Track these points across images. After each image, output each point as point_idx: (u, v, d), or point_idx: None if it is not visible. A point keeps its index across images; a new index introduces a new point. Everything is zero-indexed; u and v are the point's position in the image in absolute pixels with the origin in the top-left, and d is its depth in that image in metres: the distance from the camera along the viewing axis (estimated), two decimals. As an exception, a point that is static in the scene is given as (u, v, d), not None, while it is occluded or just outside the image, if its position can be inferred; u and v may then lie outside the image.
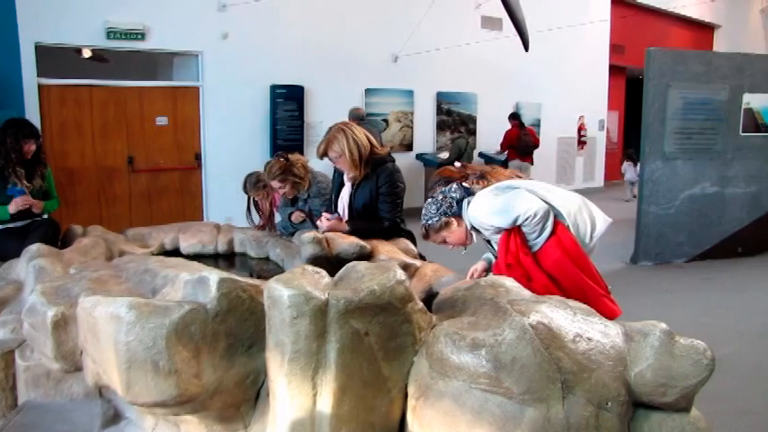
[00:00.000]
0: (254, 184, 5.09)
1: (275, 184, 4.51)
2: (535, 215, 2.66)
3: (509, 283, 1.98)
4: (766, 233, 8.21)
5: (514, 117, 11.75)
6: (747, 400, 4.09)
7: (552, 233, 2.72)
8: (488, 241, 3.07)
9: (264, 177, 4.61)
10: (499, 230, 2.81)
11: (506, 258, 2.74)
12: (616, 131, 17.26)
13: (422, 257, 3.53)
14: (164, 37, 8.34)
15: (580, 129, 14.79)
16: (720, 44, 19.66)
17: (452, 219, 2.99)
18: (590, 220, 2.89)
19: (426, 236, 3.09)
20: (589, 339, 1.68)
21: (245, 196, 4.89)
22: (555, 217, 2.76)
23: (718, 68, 7.77)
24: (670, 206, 7.62)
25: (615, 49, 15.58)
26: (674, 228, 7.68)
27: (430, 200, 3.08)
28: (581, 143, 14.87)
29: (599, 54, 15.26)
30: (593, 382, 1.60)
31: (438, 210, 2.99)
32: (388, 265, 1.90)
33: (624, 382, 1.65)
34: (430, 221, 3.02)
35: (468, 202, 2.93)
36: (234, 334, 1.92)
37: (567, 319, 1.73)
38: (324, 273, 1.90)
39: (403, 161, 10.43)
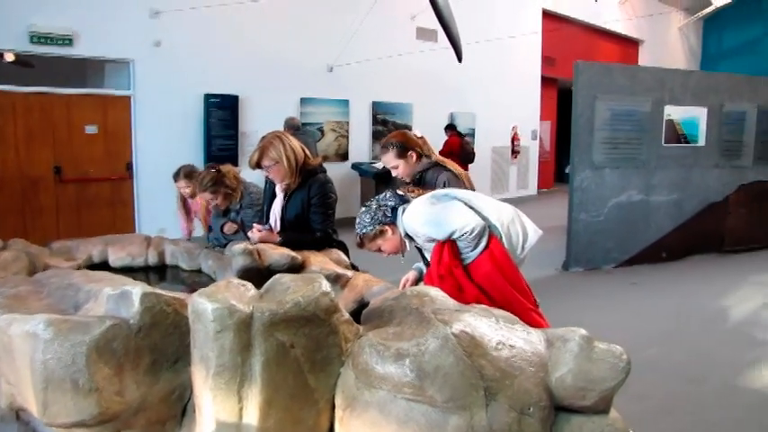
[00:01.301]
0: (185, 175, 5.04)
1: (206, 195, 4.46)
2: (472, 231, 2.70)
3: (434, 292, 2.01)
4: (688, 238, 8.56)
5: (451, 128, 11.94)
6: (671, 399, 4.25)
7: (485, 247, 2.76)
8: (420, 250, 3.10)
9: (196, 189, 4.56)
10: (433, 240, 2.84)
11: (439, 269, 2.76)
12: (549, 141, 17.69)
13: (354, 268, 3.53)
14: (93, 43, 8.12)
15: (513, 138, 15.12)
16: (645, 58, 20.48)
17: (387, 227, 2.99)
18: (522, 231, 2.95)
19: (361, 245, 3.09)
20: (512, 347, 1.72)
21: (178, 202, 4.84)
22: (489, 230, 2.80)
23: (642, 82, 8.08)
24: (599, 214, 7.86)
25: (547, 61, 16.01)
26: (603, 235, 7.93)
27: (364, 209, 3.07)
28: (514, 152, 15.19)
29: (531, 66, 15.66)
30: (515, 389, 1.64)
31: (372, 219, 2.99)
32: (314, 276, 1.90)
33: (545, 387, 1.69)
34: (364, 230, 3.02)
35: (403, 210, 2.94)
36: (158, 349, 1.88)
37: (491, 328, 1.77)
38: (249, 285, 1.89)
39: (338, 171, 10.47)
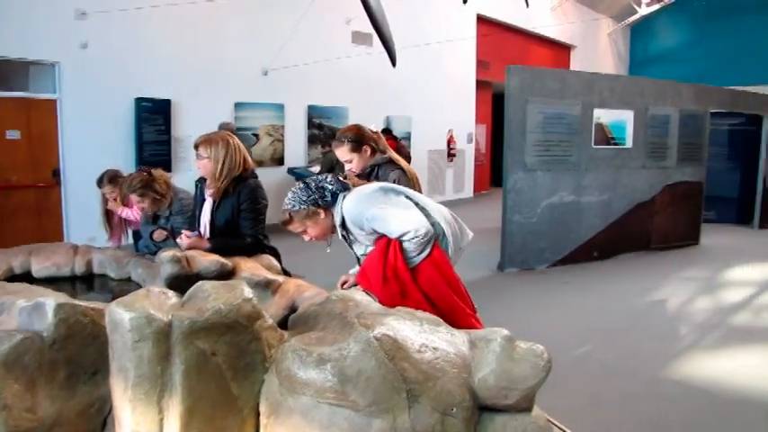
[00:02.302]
0: (109, 180, 4.91)
1: (134, 197, 4.37)
2: (425, 235, 2.68)
3: (359, 296, 2.01)
4: (618, 237, 8.83)
5: (387, 132, 11.96)
6: (599, 393, 4.38)
7: (429, 254, 2.75)
8: (350, 243, 3.04)
9: (124, 188, 4.45)
10: (375, 235, 2.82)
11: (385, 270, 2.70)
12: (484, 144, 17.96)
13: (286, 273, 3.51)
14: (14, 44, 7.80)
15: (449, 142, 15.29)
16: (576, 63, 21.06)
17: (321, 210, 2.90)
18: (460, 230, 2.99)
19: (288, 221, 2.96)
20: (435, 349, 1.74)
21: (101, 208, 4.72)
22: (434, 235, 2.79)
23: (572, 86, 8.30)
24: (532, 215, 8.01)
25: (481, 65, 16.27)
26: (536, 235, 8.09)
27: (301, 185, 2.96)
28: (450, 156, 15.36)
29: (466, 70, 15.87)
30: (438, 390, 1.65)
31: (309, 197, 2.89)
32: (235, 283, 1.88)
33: (469, 387, 1.71)
34: (296, 207, 2.90)
35: (344, 197, 2.88)
36: (75, 361, 1.82)
37: (414, 330, 1.78)
38: (171, 293, 1.85)
39: (274, 175, 10.39)
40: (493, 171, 18.46)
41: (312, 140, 11.67)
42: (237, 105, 10.37)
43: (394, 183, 3.43)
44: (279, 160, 11.16)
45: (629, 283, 7.52)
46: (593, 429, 3.85)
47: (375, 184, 2.94)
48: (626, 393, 4.38)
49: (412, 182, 3.54)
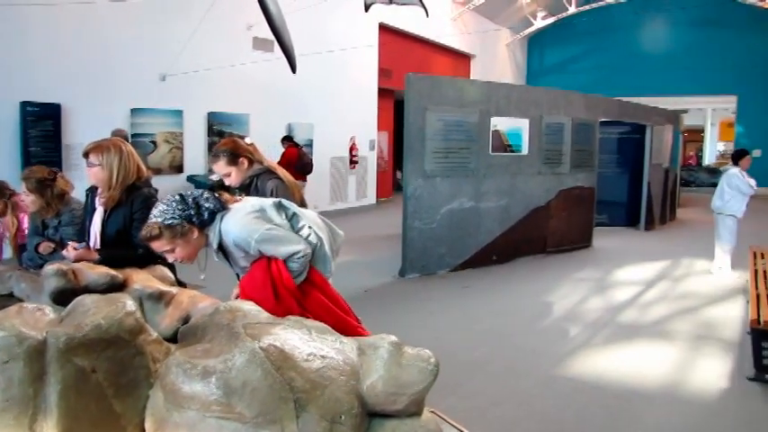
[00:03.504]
0: None
1: (26, 186, 4.16)
2: (304, 255, 2.69)
3: (247, 307, 1.98)
4: (515, 242, 9.11)
5: (288, 139, 11.92)
6: (498, 393, 4.51)
7: (309, 272, 2.76)
8: (228, 259, 2.94)
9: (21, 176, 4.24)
10: (258, 256, 2.76)
11: (276, 288, 2.66)
12: (387, 151, 18.13)
13: (181, 284, 3.41)
14: None
15: (352, 149, 15.34)
16: (476, 72, 21.65)
17: (195, 228, 2.71)
18: (333, 235, 3.00)
19: (156, 237, 2.68)
20: (323, 357, 1.73)
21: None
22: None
23: (469, 94, 8.51)
24: (432, 221, 8.14)
25: (383, 72, 16.44)
26: (437, 241, 8.22)
27: (176, 197, 2.72)
28: (353, 163, 15.42)
29: (368, 77, 15.99)
30: (326, 398, 1.65)
31: (184, 211, 2.67)
32: (117, 296, 1.81)
33: (357, 394, 1.71)
34: (170, 221, 2.65)
35: (222, 218, 2.76)
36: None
37: (302, 339, 1.78)
38: (48, 309, 1.77)
39: (173, 183, 10.09)
40: (395, 177, 18.67)
41: (212, 148, 11.40)
42: (134, 111, 10.02)
43: (271, 192, 3.43)
44: (178, 168, 10.87)
45: (527, 286, 7.77)
46: (494, 429, 3.96)
47: (252, 203, 2.84)
48: (523, 392, 4.53)
49: (290, 191, 3.55)
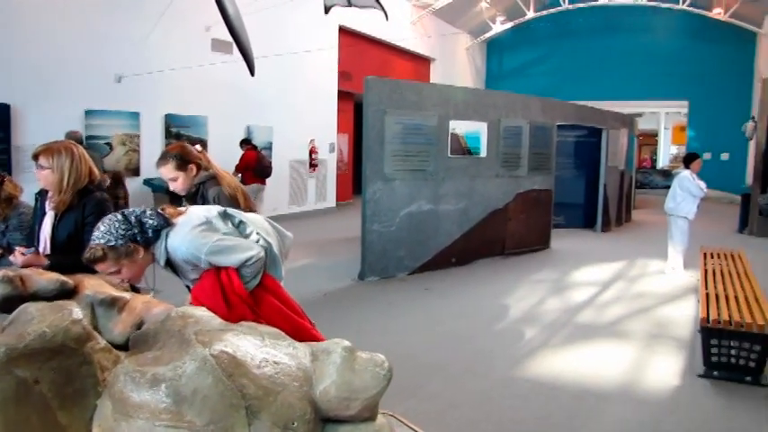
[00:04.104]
0: None
1: None
2: (258, 259, 2.65)
3: (200, 312, 1.95)
4: (474, 244, 9.18)
5: (247, 142, 11.82)
6: (456, 395, 4.53)
7: (262, 277, 2.73)
8: (177, 272, 2.89)
9: None
10: (207, 267, 2.71)
11: (227, 296, 2.62)
12: (347, 154, 18.11)
13: (135, 289, 3.35)
14: None
15: (311, 151, 15.28)
16: (436, 75, 21.77)
17: (141, 247, 2.64)
18: (281, 238, 2.97)
19: (101, 259, 2.60)
20: (276, 363, 1.71)
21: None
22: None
23: (428, 98, 8.54)
24: (391, 224, 8.15)
25: (343, 75, 16.42)
26: (396, 244, 8.23)
27: (118, 216, 2.65)
28: (313, 165, 15.36)
29: (328, 80, 15.96)
30: (278, 405, 1.62)
31: (127, 231, 2.60)
32: (63, 304, 1.76)
33: (310, 400, 1.70)
34: (113, 243, 2.57)
35: (167, 234, 2.69)
36: None
37: (255, 345, 1.75)
38: (-11, 318, 1.71)
39: (129, 187, 9.94)
40: (356, 180, 18.64)
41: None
42: (88, 113, 9.81)
43: (213, 201, 3.39)
44: (134, 171, 10.68)
45: (486, 288, 7.83)
46: (452, 431, 3.97)
47: (197, 215, 2.77)
48: (482, 394, 4.55)
49: (233, 197, 3.50)
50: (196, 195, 3.56)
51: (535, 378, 4.88)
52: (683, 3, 19.12)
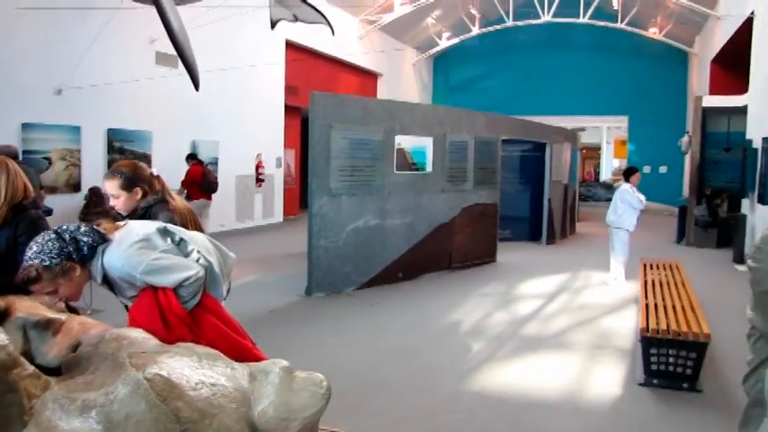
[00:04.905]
0: None
1: None
2: (196, 279, 2.58)
3: (135, 334, 1.90)
4: (421, 258, 9.22)
5: (192, 157, 11.65)
6: (403, 411, 4.52)
7: (202, 297, 2.66)
8: (112, 288, 2.78)
9: None
10: (143, 286, 2.63)
11: (166, 316, 2.54)
12: (294, 168, 18.02)
13: (72, 310, 3.25)
14: None
15: (258, 166, 15.16)
16: (383, 90, 21.92)
17: (77, 265, 2.53)
18: (223, 258, 2.92)
19: (36, 279, 2.48)
20: (212, 385, 1.68)
21: None
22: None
23: (374, 113, 8.58)
24: (338, 239, 8.13)
25: (290, 90, 16.37)
26: (343, 259, 8.21)
27: (51, 235, 2.54)
28: (259, 180, 15.23)
29: (275, 94, 15.91)
30: (215, 427, 1.60)
31: (62, 249, 2.49)
32: (-13, 328, 1.70)
33: (248, 421, 1.68)
34: (48, 262, 2.46)
35: (104, 251, 2.60)
36: None
37: (192, 367, 1.72)
38: None
39: (70, 202, 9.68)
40: (303, 195, 18.57)
41: (113, 165, 10.96)
42: (26, 126, 9.49)
43: None
44: (75, 186, 10.40)
45: (433, 302, 7.86)
46: (396, 447, 3.97)
47: (136, 232, 2.68)
48: (428, 409, 4.56)
49: (184, 220, 3.43)
50: (143, 219, 3.47)
51: (482, 391, 4.92)
52: (622, 22, 19.73)
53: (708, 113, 14.24)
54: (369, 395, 4.77)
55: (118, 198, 3.45)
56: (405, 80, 24.08)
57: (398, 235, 8.91)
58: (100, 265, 2.59)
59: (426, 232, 9.33)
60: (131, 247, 2.61)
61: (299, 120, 17.59)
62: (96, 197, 9.84)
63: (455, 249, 9.91)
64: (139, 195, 3.46)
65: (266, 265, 10.03)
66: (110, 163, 10.90)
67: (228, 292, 3.03)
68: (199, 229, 3.55)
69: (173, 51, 9.39)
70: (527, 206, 13.49)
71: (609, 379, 5.24)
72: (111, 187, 3.45)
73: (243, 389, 1.73)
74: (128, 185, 3.43)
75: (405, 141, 8.90)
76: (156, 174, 3.61)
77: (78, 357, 1.96)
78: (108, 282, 2.70)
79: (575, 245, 13.53)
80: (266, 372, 1.75)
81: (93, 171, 10.68)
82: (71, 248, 2.51)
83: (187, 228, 3.39)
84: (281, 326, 6.64)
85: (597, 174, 36.76)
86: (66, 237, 2.53)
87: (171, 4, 7.77)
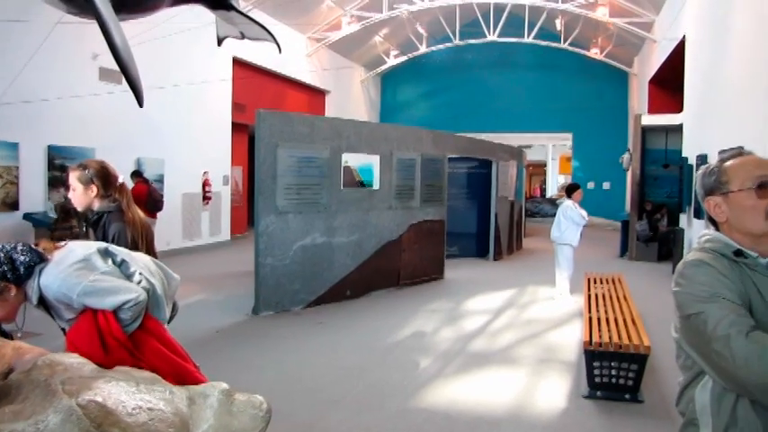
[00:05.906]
0: None
1: None
2: (143, 301, 2.52)
3: (69, 360, 1.85)
4: (369, 276, 9.22)
5: (137, 175, 11.46)
6: (351, 429, 4.53)
7: (141, 322, 2.59)
8: (49, 310, 2.69)
9: None
10: (81, 308, 2.55)
11: (105, 339, 2.45)
12: (242, 186, 17.84)
13: (5, 335, 3.15)
14: None
15: (205, 184, 14.97)
16: (331, 108, 21.96)
17: (12, 286, 2.45)
18: (167, 280, 2.88)
19: None
20: (150, 410, 1.66)
21: None
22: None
23: (320, 131, 8.59)
24: (285, 257, 8.07)
25: (237, 107, 16.25)
26: (290, 277, 8.15)
27: None
28: (206, 198, 15.04)
29: (222, 112, 15.76)
30: (152, 454, 1.57)
31: None
32: None
33: (187, 447, 1.65)
34: None
35: (41, 271, 2.52)
36: None
37: (129, 392, 1.69)
38: None
39: (7, 221, 9.41)
40: (251, 213, 18.36)
41: (54, 184, 10.69)
42: (-42, 144, 9.21)
43: (113, 238, 3.26)
44: (12, 205, 10.07)
45: (381, 320, 7.86)
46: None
47: (75, 253, 2.61)
48: (375, 427, 4.55)
49: (136, 235, 3.38)
50: (98, 224, 3.41)
51: (430, 408, 4.94)
52: (565, 42, 20.23)
53: (647, 131, 14.71)
54: (317, 414, 4.73)
55: (75, 190, 3.44)
56: (353, 98, 24.17)
57: (346, 252, 8.90)
58: (36, 286, 2.51)
59: (374, 249, 9.35)
60: (69, 267, 2.54)
61: (246, 137, 17.46)
62: (64, 213, 9.56)
63: (403, 266, 9.95)
64: (94, 193, 3.43)
65: (213, 285, 9.89)
66: (50, 180, 10.63)
67: (176, 312, 2.99)
68: (151, 245, 3.50)
69: (117, 67, 9.23)
70: (474, 223, 13.65)
71: (554, 392, 5.33)
72: (72, 178, 3.46)
73: (182, 413, 1.70)
74: (85, 180, 3.40)
75: (352, 159, 8.92)
76: (121, 181, 3.57)
77: (7, 386, 1.90)
78: (45, 304, 2.63)
79: (521, 260, 13.73)
80: (205, 395, 1.73)
81: (32, 189, 10.39)
82: (6, 268, 2.43)
83: (138, 243, 3.34)
84: (228, 346, 6.55)
85: (543, 190, 37.50)
86: (1, 255, 2.44)
87: (114, 19, 7.64)
